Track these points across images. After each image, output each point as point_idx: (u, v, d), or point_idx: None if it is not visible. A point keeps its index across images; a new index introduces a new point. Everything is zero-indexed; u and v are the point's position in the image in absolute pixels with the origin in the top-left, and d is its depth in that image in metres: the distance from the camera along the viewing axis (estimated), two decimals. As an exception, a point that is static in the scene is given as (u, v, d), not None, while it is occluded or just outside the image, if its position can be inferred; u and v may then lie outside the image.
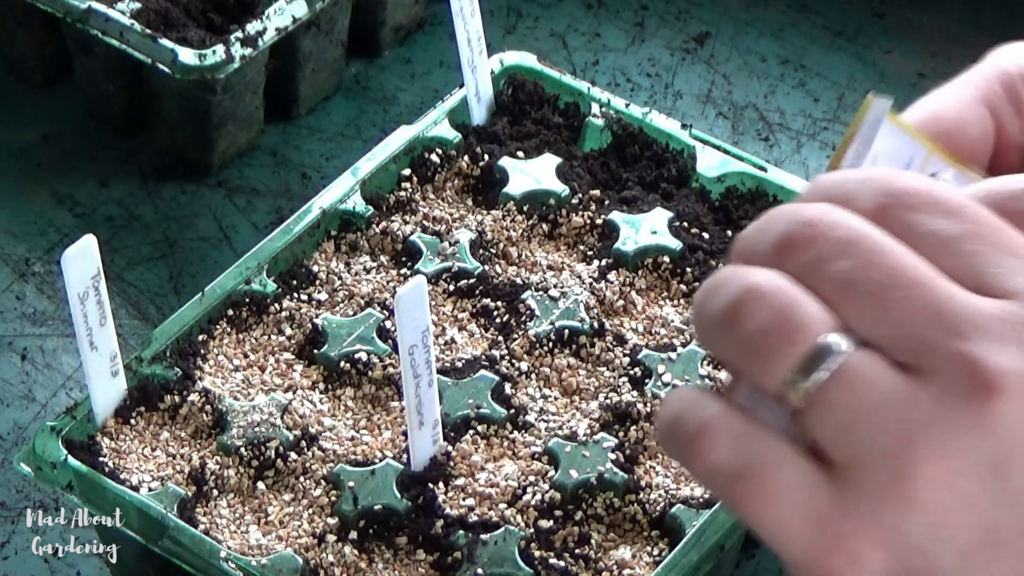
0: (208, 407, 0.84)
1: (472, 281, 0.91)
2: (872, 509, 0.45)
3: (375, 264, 0.92)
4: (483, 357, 0.87)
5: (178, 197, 1.07)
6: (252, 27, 1.02)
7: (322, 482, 0.81)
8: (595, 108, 1.00)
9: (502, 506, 0.80)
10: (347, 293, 0.90)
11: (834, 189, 0.49)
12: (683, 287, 0.92)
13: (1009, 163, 0.60)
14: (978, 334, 0.45)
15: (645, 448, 0.84)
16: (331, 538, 0.79)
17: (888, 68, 1.18)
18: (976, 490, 0.45)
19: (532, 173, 0.96)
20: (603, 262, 0.92)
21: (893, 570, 0.45)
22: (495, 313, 0.90)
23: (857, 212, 0.48)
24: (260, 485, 0.82)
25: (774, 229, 0.48)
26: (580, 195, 0.95)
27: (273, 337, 0.88)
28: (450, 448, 0.82)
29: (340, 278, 0.91)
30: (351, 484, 0.81)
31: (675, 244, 0.92)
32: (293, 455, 0.82)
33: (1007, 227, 0.48)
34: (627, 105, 1.00)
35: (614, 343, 0.88)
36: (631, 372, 0.87)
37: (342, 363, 0.86)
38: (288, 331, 0.88)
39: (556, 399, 0.86)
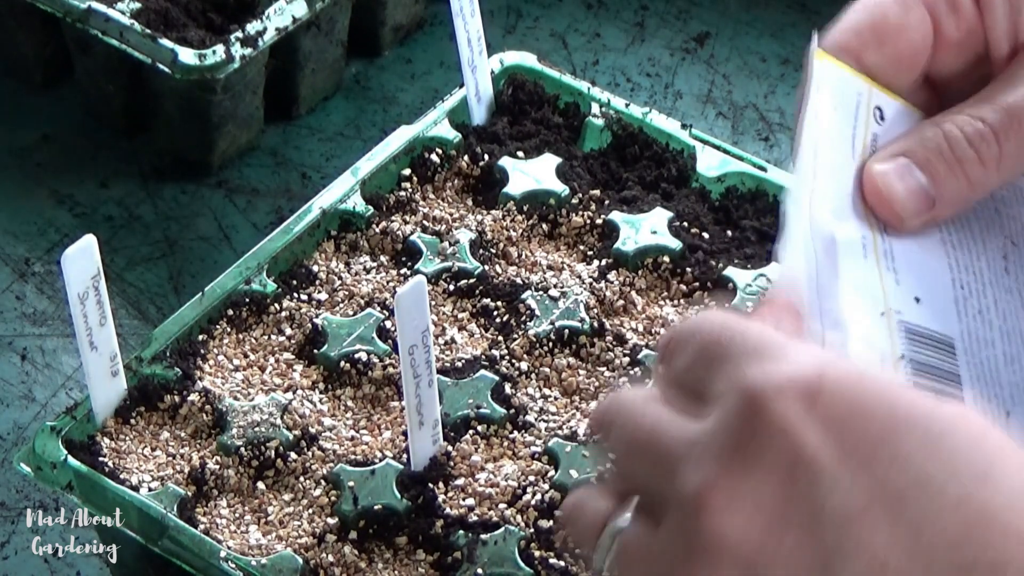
0: (208, 407, 0.84)
1: (472, 281, 0.91)
2: None
3: (375, 264, 0.92)
4: (483, 357, 0.87)
5: (178, 197, 1.07)
6: (252, 27, 1.02)
7: (322, 482, 0.81)
8: (595, 108, 1.00)
9: (502, 506, 0.80)
10: (347, 293, 0.90)
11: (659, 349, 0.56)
12: (683, 287, 0.92)
13: (946, 61, 0.61)
14: (682, 465, 0.49)
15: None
16: (331, 538, 0.79)
17: (888, 68, 1.18)
18: None
19: (532, 173, 0.96)
20: (603, 262, 0.92)
21: None
22: (495, 313, 0.90)
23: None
24: (260, 485, 0.82)
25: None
26: (580, 195, 0.95)
27: (273, 337, 0.88)
28: (450, 448, 0.82)
29: (340, 278, 0.91)
30: (351, 484, 0.81)
31: (675, 244, 0.92)
32: (293, 455, 0.82)
33: (747, 328, 0.51)
34: (627, 105, 1.00)
35: (614, 343, 0.88)
36: (631, 372, 0.87)
37: (342, 363, 0.86)
38: (288, 331, 0.88)
39: (556, 399, 0.86)
